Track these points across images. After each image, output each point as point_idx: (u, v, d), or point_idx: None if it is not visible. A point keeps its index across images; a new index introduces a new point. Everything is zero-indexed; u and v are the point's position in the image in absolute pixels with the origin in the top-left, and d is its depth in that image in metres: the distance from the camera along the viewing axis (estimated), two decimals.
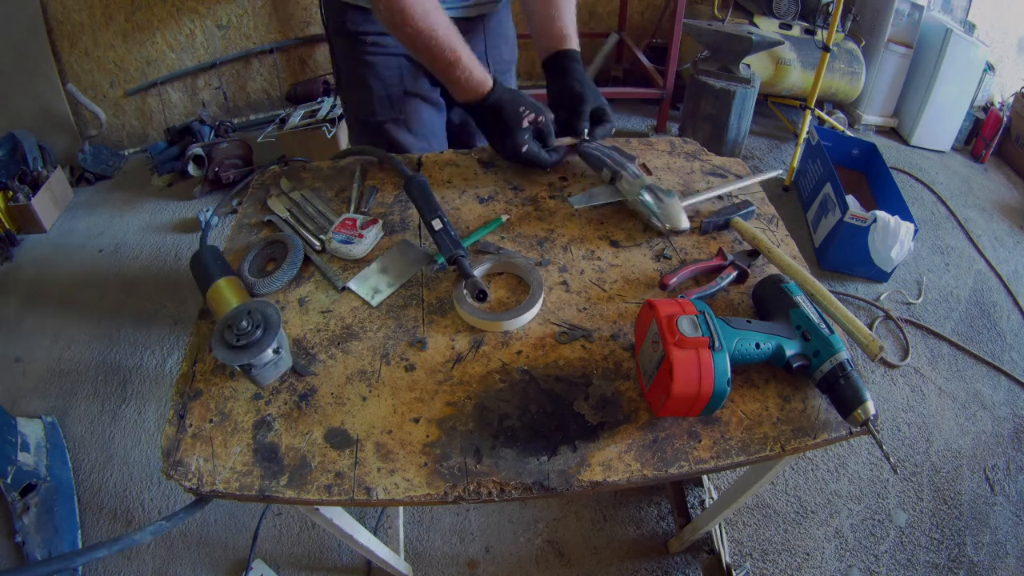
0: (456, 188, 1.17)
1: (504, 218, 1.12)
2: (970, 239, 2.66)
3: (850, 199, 2.37)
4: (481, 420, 0.79)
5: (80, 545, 1.61)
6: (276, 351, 0.80)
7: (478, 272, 0.97)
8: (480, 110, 1.16)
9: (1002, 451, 1.87)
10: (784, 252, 0.98)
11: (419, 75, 1.39)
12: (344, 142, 2.69)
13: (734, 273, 0.95)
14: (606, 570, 1.57)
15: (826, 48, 2.42)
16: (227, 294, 0.89)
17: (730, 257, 0.97)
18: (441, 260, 0.99)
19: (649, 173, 1.19)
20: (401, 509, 1.61)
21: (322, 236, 1.04)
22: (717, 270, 0.96)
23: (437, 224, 0.98)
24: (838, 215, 2.29)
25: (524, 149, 1.13)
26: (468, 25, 1.35)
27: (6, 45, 2.72)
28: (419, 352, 0.87)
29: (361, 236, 1.02)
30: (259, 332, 0.78)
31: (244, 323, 0.77)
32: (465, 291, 0.93)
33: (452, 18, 1.27)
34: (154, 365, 2.08)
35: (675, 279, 0.93)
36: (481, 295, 0.91)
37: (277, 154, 2.92)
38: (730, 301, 0.94)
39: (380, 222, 1.05)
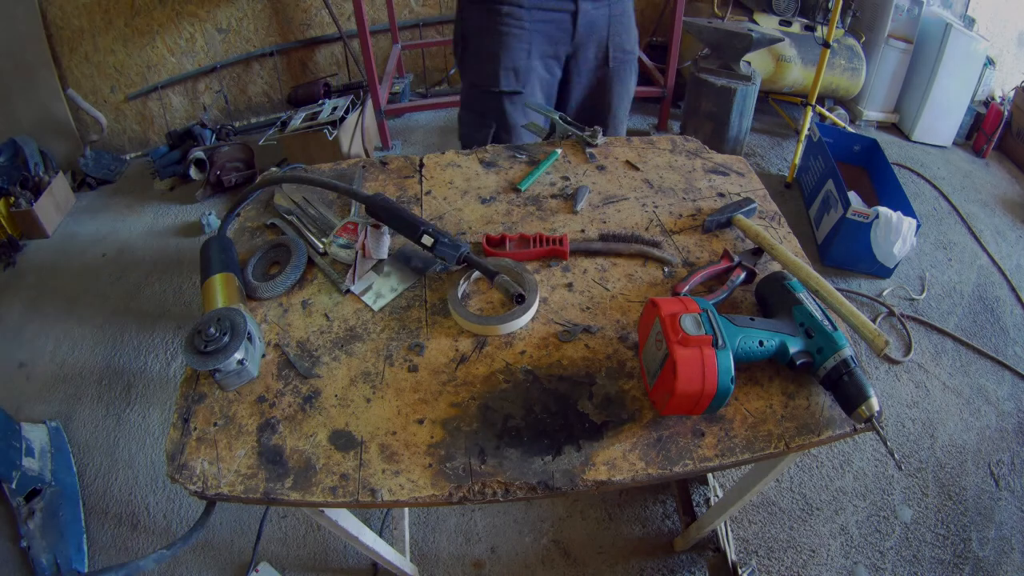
0: (458, 189, 1.17)
1: (558, 152, 1.22)
2: (972, 234, 2.65)
3: (852, 195, 2.37)
4: (485, 420, 0.79)
5: (85, 549, 1.61)
6: (241, 362, 0.80)
7: (474, 278, 0.98)
8: None
9: (1007, 446, 1.86)
10: (787, 249, 0.98)
11: (547, 54, 1.46)
12: (345, 144, 2.70)
13: (743, 274, 0.94)
14: (612, 569, 1.57)
15: (826, 44, 2.42)
16: (217, 292, 0.89)
17: (737, 258, 0.97)
18: (441, 265, 0.99)
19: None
20: (406, 510, 1.61)
21: (325, 239, 1.04)
22: (726, 272, 0.96)
23: (428, 240, 0.95)
24: (840, 211, 2.28)
25: None
26: (596, 8, 1.44)
27: (6, 51, 2.73)
28: (421, 354, 0.87)
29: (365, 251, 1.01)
30: (226, 339, 0.79)
31: (212, 330, 0.78)
32: (487, 288, 0.94)
33: (585, 2, 1.40)
34: (158, 369, 2.08)
35: (686, 287, 0.93)
36: (519, 298, 0.91)
37: (278, 157, 2.92)
38: (733, 299, 0.94)
39: (384, 228, 1.04)
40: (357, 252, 0.98)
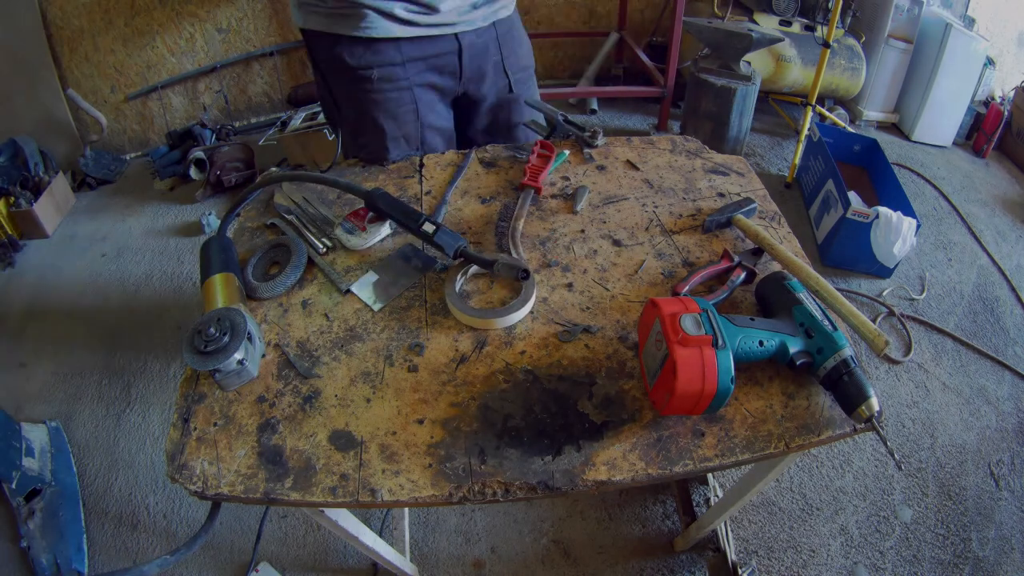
0: (458, 189, 1.17)
1: (567, 153, 1.20)
2: (972, 234, 2.65)
3: (852, 195, 2.37)
4: (485, 420, 0.79)
5: (85, 549, 1.61)
6: (241, 362, 0.80)
7: (471, 273, 0.98)
8: None
9: (1007, 446, 1.86)
10: (787, 249, 0.98)
11: (435, 104, 1.30)
12: None
13: (743, 274, 0.94)
14: (612, 569, 1.57)
15: (826, 44, 2.42)
16: (217, 292, 0.89)
17: (737, 258, 0.97)
18: (440, 264, 0.99)
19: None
20: (406, 510, 1.61)
21: (325, 239, 1.05)
22: (726, 272, 0.96)
23: (429, 227, 0.96)
24: (840, 211, 2.28)
25: None
26: (482, 36, 1.29)
27: (6, 51, 2.73)
28: (421, 354, 0.87)
29: (364, 230, 1.02)
30: (226, 339, 0.79)
31: (212, 330, 0.78)
32: (499, 271, 0.94)
33: (465, 32, 1.23)
34: (158, 369, 2.08)
35: (686, 287, 0.93)
36: (524, 273, 0.91)
37: (279, 157, 2.92)
38: (733, 299, 0.94)
39: (388, 221, 1.05)
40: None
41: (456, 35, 1.24)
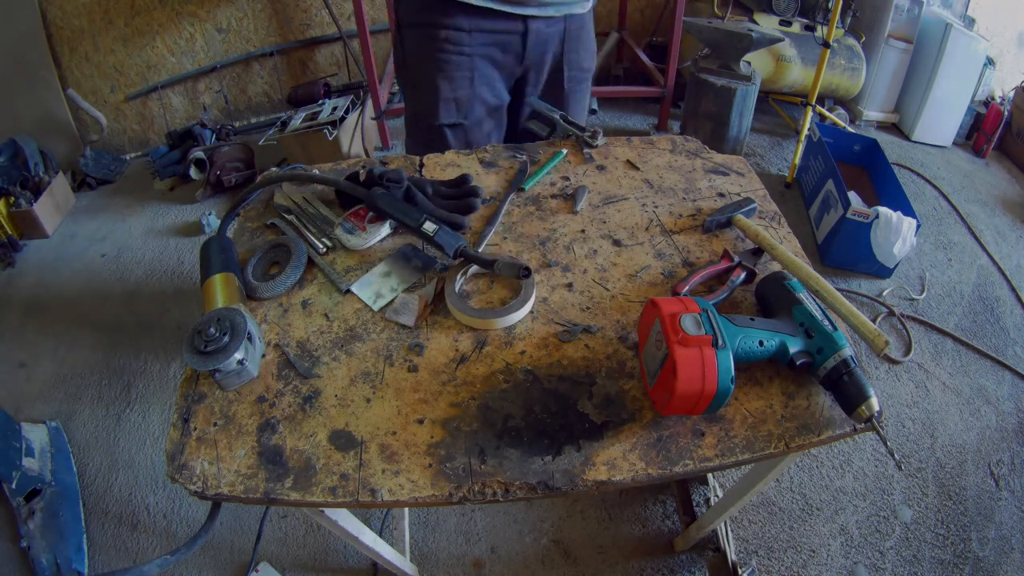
0: None
1: (564, 151, 1.19)
2: (973, 234, 2.65)
3: (852, 195, 2.37)
4: (485, 420, 0.79)
5: (85, 549, 1.61)
6: (241, 362, 0.80)
7: (471, 274, 0.98)
8: None
9: (1007, 446, 1.86)
10: (787, 249, 0.98)
11: (494, 79, 1.34)
12: (345, 144, 2.70)
13: (743, 274, 0.94)
14: (612, 569, 1.57)
15: (826, 44, 2.42)
16: (217, 292, 0.89)
17: (737, 258, 0.97)
18: (440, 264, 0.99)
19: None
20: (406, 510, 1.61)
21: (325, 239, 1.05)
22: (726, 272, 0.96)
23: (430, 227, 0.96)
24: (840, 211, 2.28)
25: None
26: (551, 26, 1.32)
27: (6, 51, 2.73)
28: (421, 354, 0.87)
29: (364, 229, 1.02)
30: (226, 339, 0.79)
31: (212, 330, 0.78)
32: (500, 271, 0.94)
33: (532, 16, 1.27)
34: (158, 369, 2.08)
35: (686, 287, 0.93)
36: (525, 272, 0.91)
37: (278, 157, 2.92)
38: (733, 299, 0.94)
39: (388, 221, 1.05)
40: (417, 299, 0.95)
41: (525, 18, 1.27)
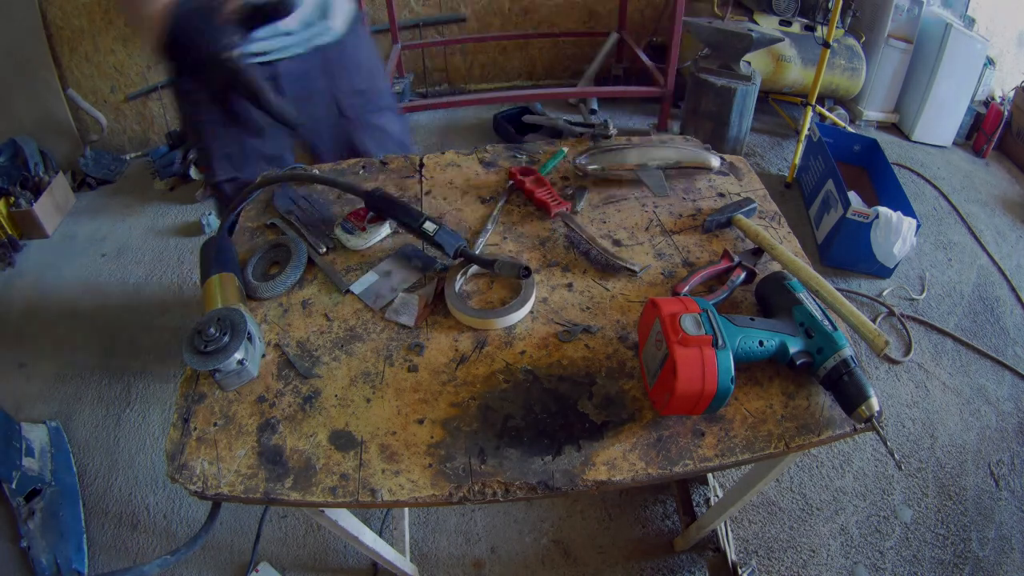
0: (458, 188, 1.17)
1: (565, 150, 1.19)
2: (973, 234, 2.65)
3: (852, 195, 2.37)
4: (485, 420, 0.79)
5: (85, 549, 1.61)
6: (241, 362, 0.80)
7: (471, 274, 0.98)
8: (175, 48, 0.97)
9: (1007, 446, 1.86)
10: (787, 249, 0.98)
11: (263, 124, 1.28)
12: None
13: (743, 274, 0.94)
14: (612, 569, 1.57)
15: (826, 44, 2.42)
16: (216, 292, 0.89)
17: (737, 258, 0.97)
18: (440, 264, 0.99)
19: None
20: (406, 510, 1.61)
21: (325, 239, 1.05)
22: (726, 272, 0.96)
23: (430, 227, 0.96)
24: (840, 211, 2.28)
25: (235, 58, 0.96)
26: (305, 62, 1.26)
27: (6, 51, 2.73)
28: (421, 354, 0.87)
29: (363, 230, 1.02)
30: (225, 339, 0.79)
31: (212, 330, 0.78)
32: (499, 271, 0.94)
33: (282, 59, 1.21)
34: (158, 369, 2.08)
35: (686, 287, 0.93)
36: (525, 272, 0.91)
37: None
38: (733, 299, 0.94)
39: (388, 221, 1.05)
40: (417, 298, 0.94)
41: (271, 63, 1.22)
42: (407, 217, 0.98)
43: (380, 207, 0.99)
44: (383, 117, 1.46)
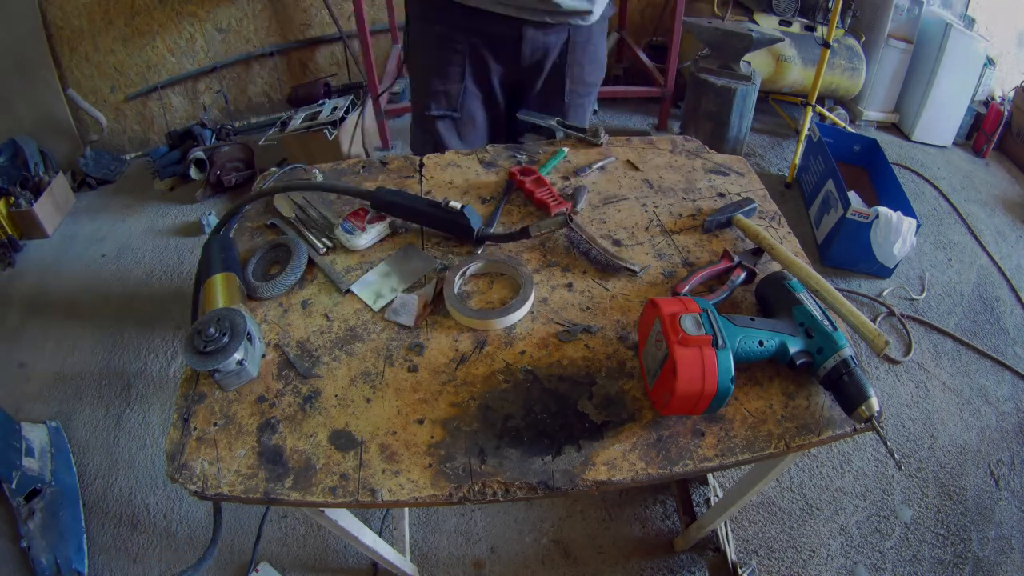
0: (458, 188, 1.17)
1: (565, 150, 1.20)
2: (973, 234, 2.65)
3: (852, 195, 2.37)
4: (485, 420, 0.79)
5: (85, 549, 1.61)
6: (240, 363, 0.80)
7: (472, 270, 0.98)
8: None
9: (1007, 446, 1.86)
10: (787, 249, 0.98)
11: (487, 78, 1.36)
12: (345, 144, 2.69)
13: (743, 274, 0.94)
14: (612, 569, 1.57)
15: (826, 44, 2.42)
16: (217, 292, 0.89)
17: (737, 258, 0.97)
18: (440, 264, 0.99)
19: None
20: (406, 510, 1.61)
21: (325, 239, 1.05)
22: (726, 272, 0.96)
23: (455, 203, 0.96)
24: (840, 211, 2.28)
25: None
26: (546, 33, 1.30)
27: (6, 51, 2.73)
28: (421, 354, 0.87)
29: (363, 229, 1.02)
30: (225, 339, 0.79)
31: (212, 330, 0.78)
32: (541, 228, 0.95)
33: (527, 20, 1.25)
34: (158, 369, 2.08)
35: (686, 287, 0.93)
36: (569, 217, 0.92)
37: (278, 157, 2.92)
38: (733, 299, 0.94)
39: (388, 219, 1.05)
40: (417, 297, 0.95)
41: (520, 22, 1.26)
42: (423, 208, 0.96)
43: (387, 205, 0.99)
44: (586, 113, 1.52)
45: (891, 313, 2.23)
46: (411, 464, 0.74)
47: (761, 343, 0.78)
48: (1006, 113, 3.11)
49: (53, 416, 1.93)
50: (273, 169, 1.25)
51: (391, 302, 0.94)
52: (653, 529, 1.64)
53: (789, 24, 3.10)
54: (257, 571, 1.56)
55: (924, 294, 2.33)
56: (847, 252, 2.35)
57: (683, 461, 0.74)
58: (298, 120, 2.77)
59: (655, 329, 0.77)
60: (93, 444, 1.88)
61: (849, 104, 3.35)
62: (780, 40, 2.72)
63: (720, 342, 0.72)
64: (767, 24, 3.03)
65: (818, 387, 0.81)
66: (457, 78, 1.33)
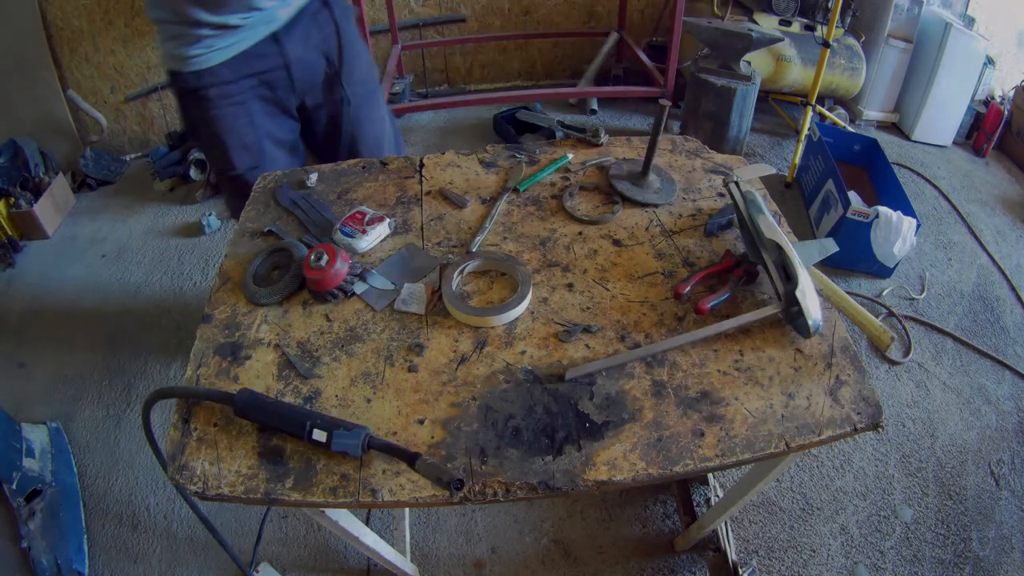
0: (458, 189, 1.17)
1: (569, 156, 1.19)
2: (973, 234, 2.65)
3: (852, 195, 2.37)
4: (486, 421, 0.79)
5: (86, 550, 1.61)
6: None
7: (469, 268, 0.98)
8: None
9: (1007, 446, 1.86)
10: None
11: (274, 115, 1.37)
12: None
13: (744, 275, 0.94)
14: (612, 569, 1.57)
15: (826, 44, 2.42)
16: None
17: (738, 258, 0.97)
18: (442, 259, 0.99)
19: None
20: (407, 510, 1.61)
21: (325, 240, 1.05)
22: (727, 272, 0.96)
23: (320, 435, 0.74)
24: (840, 211, 2.28)
25: None
26: (306, 51, 1.33)
27: (6, 52, 2.73)
28: (421, 354, 0.87)
29: (364, 232, 1.02)
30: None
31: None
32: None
33: (289, 43, 1.27)
34: (158, 369, 2.08)
35: (688, 288, 0.93)
36: (457, 484, 0.69)
37: None
38: (734, 298, 0.94)
39: (387, 220, 1.05)
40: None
41: (278, 42, 1.27)
42: (288, 425, 0.76)
43: (250, 414, 0.78)
44: (380, 110, 1.54)
45: (891, 313, 2.22)
46: None
47: None
48: (1006, 112, 3.10)
49: (53, 417, 1.93)
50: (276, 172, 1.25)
51: (394, 300, 0.94)
52: (653, 529, 1.64)
53: (789, 24, 3.09)
54: (257, 571, 1.56)
55: (924, 294, 2.33)
56: (847, 252, 2.34)
57: (683, 461, 0.74)
58: None
59: None
60: (93, 444, 1.88)
61: (849, 104, 3.35)
62: (780, 40, 2.72)
63: None
64: (767, 24, 3.03)
65: (818, 387, 0.81)
66: (248, 128, 1.33)
